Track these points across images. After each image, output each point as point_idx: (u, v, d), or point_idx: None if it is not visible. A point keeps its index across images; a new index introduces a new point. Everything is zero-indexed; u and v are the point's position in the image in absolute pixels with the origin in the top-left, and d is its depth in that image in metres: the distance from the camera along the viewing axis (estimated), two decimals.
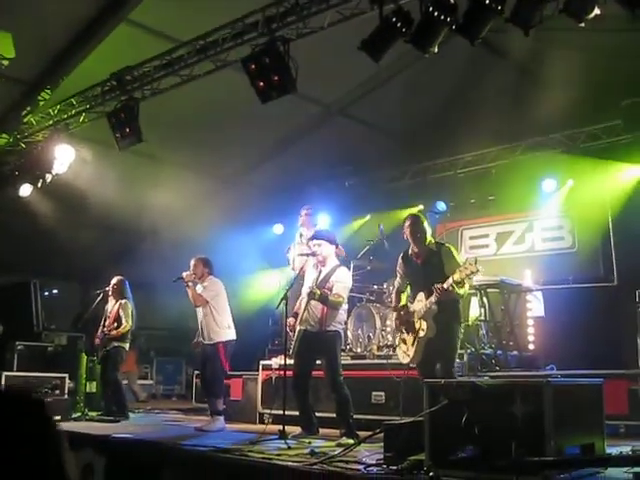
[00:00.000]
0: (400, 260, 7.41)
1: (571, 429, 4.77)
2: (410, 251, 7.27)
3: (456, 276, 6.55)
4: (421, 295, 7.00)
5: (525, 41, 6.97)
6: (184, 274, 9.05)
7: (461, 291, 6.73)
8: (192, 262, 9.21)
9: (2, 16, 9.47)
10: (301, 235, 10.43)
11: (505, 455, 4.41)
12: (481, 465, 4.58)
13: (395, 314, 7.45)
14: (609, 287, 10.57)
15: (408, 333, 7.13)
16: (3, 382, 9.71)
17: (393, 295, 7.62)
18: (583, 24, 6.26)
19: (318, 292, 7.76)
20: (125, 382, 11.91)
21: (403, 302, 7.33)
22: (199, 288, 9.12)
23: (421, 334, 6.93)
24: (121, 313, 10.27)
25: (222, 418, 9.01)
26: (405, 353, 7.16)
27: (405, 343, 7.16)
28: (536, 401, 4.56)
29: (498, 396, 4.79)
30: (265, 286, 13.97)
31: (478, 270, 6.52)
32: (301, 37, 8.03)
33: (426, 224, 7.25)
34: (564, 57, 9.94)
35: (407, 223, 7.20)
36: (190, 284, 9.04)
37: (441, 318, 6.87)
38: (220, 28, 8.61)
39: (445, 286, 6.61)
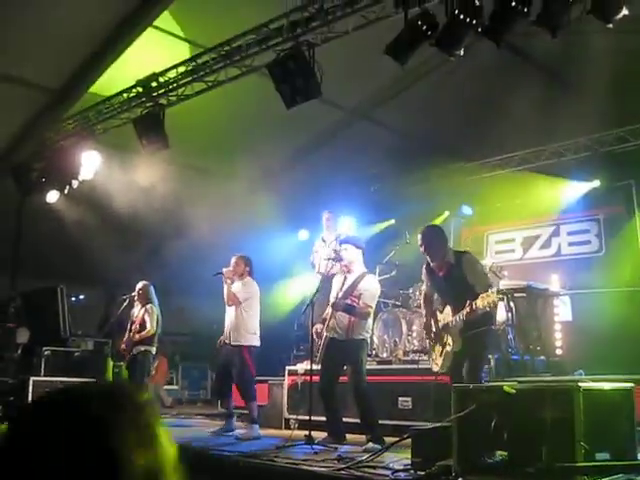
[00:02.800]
0: (424, 270, 7.25)
1: (602, 434, 4.70)
2: (432, 263, 7.07)
3: (479, 302, 6.31)
4: (448, 309, 6.86)
5: (552, 44, 6.91)
6: (224, 270, 8.98)
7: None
8: (233, 260, 9.11)
9: (31, 23, 9.56)
10: (323, 240, 10.38)
11: (535, 461, 4.36)
12: (510, 471, 4.53)
13: (425, 321, 7.32)
14: (637, 291, 10.45)
15: (436, 344, 7.06)
16: (31, 387, 9.79)
17: (422, 301, 7.46)
18: (611, 25, 6.21)
19: (342, 305, 7.84)
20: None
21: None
22: (237, 286, 9.01)
23: (448, 348, 6.83)
24: (146, 317, 10.31)
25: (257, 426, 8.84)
26: (434, 362, 7.08)
27: (434, 352, 7.08)
28: (566, 406, 4.50)
29: (528, 401, 4.74)
30: (290, 291, 13.95)
31: (500, 299, 6.43)
32: (326, 42, 8.03)
33: (441, 236, 7.06)
34: (592, 60, 9.84)
35: (419, 239, 7.00)
36: (229, 281, 8.98)
37: (468, 332, 6.69)
38: (245, 34, 8.63)
39: (470, 309, 6.41)
